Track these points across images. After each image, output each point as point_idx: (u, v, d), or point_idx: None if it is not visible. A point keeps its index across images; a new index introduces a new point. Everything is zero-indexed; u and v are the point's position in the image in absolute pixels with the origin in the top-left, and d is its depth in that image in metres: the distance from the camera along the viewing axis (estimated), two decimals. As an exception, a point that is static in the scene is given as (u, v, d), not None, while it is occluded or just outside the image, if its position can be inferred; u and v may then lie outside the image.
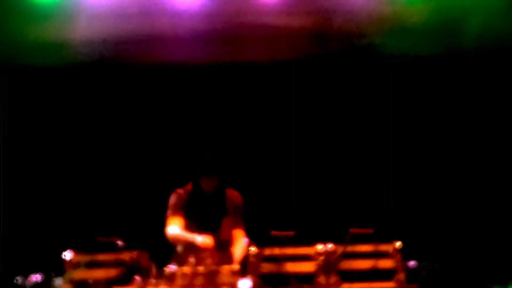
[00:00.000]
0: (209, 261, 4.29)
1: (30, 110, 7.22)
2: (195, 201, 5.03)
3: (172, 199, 5.05)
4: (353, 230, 4.47)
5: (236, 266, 4.28)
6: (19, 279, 4.85)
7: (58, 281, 4.57)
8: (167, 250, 4.55)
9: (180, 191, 5.10)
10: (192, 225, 4.93)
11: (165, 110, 7.22)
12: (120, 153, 7.15)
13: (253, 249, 4.37)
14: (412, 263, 4.91)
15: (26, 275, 4.80)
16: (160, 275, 4.34)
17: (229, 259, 4.29)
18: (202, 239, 4.58)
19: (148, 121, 7.24)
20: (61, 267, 4.52)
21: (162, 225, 4.94)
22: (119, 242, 4.42)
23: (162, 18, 6.78)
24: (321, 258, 4.35)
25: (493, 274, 5.88)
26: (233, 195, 5.14)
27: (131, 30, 6.83)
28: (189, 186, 5.10)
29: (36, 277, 4.78)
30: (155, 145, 7.16)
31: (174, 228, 4.87)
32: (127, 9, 6.70)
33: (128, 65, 7.19)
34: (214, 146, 5.04)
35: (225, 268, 4.27)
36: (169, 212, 5.01)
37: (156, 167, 6.90)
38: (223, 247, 4.88)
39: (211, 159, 4.97)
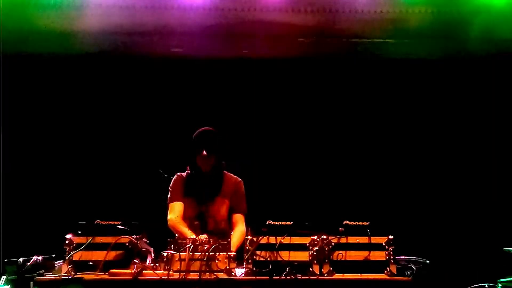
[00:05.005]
0: (205, 247, 4.35)
1: (38, 97, 7.34)
2: (192, 179, 5.25)
3: (172, 184, 5.32)
4: (347, 222, 4.58)
5: (232, 253, 4.36)
6: (21, 260, 4.93)
7: (59, 262, 4.67)
8: (165, 235, 4.65)
9: (180, 173, 5.34)
10: (189, 201, 5.20)
11: (167, 100, 7.34)
12: (120, 139, 7.30)
13: (249, 237, 4.45)
14: (403, 257, 5.01)
15: (27, 257, 4.87)
16: (158, 259, 4.42)
17: (226, 247, 4.38)
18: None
19: (149, 109, 7.39)
20: (61, 249, 4.60)
21: (161, 210, 5.15)
22: (118, 226, 4.51)
23: (169, 11, 6.90)
24: (315, 248, 4.43)
25: (485, 271, 5.95)
26: (232, 179, 5.32)
27: (139, 22, 6.96)
28: (189, 170, 5.30)
29: (37, 259, 4.86)
30: (155, 132, 7.32)
31: (173, 217, 5.15)
32: (135, 2, 6.81)
33: (135, 57, 7.33)
34: (212, 130, 5.23)
35: (222, 255, 4.34)
36: (169, 198, 5.31)
37: (156, 153, 7.02)
38: (216, 226, 5.14)
39: (208, 137, 5.16)
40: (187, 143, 5.26)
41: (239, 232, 5.12)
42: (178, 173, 5.36)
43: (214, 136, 5.19)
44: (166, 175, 5.33)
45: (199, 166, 5.21)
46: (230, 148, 5.32)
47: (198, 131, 5.25)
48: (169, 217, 5.18)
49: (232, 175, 5.37)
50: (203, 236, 4.62)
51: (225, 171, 5.34)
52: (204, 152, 5.13)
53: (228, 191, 5.26)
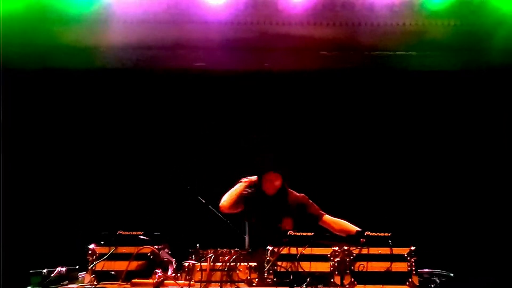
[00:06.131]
0: (227, 257, 4.36)
1: (64, 111, 7.45)
2: (258, 200, 5.29)
3: (239, 187, 5.35)
4: (369, 233, 4.56)
5: (253, 264, 4.37)
6: (45, 272, 4.98)
7: (82, 273, 4.71)
8: (187, 246, 4.66)
9: (247, 188, 5.35)
10: (254, 223, 5.27)
11: (191, 113, 7.40)
12: (145, 152, 7.36)
13: (270, 247, 4.45)
14: (426, 270, 4.96)
15: (51, 268, 4.92)
16: (180, 269, 4.45)
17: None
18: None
19: (173, 123, 7.45)
20: (85, 260, 4.65)
21: (183, 221, 5.17)
22: (140, 236, 4.55)
23: (191, 25, 6.97)
24: (337, 259, 4.42)
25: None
26: (294, 196, 5.38)
27: (162, 37, 7.05)
28: (254, 182, 5.36)
29: (61, 270, 4.91)
30: (180, 145, 7.37)
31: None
32: (157, 16, 6.90)
33: (158, 71, 7.41)
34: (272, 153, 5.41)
35: (242, 265, 4.35)
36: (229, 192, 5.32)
37: (176, 165, 7.07)
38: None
39: (274, 160, 5.34)
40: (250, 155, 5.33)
41: (338, 221, 5.25)
42: (246, 181, 5.36)
43: (278, 158, 5.33)
44: (188, 187, 5.35)
45: (263, 189, 5.26)
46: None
47: (262, 154, 5.44)
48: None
49: (295, 192, 5.40)
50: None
51: (289, 189, 5.38)
52: (272, 175, 5.21)
53: (293, 209, 5.30)
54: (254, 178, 5.36)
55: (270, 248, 4.43)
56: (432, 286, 4.98)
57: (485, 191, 7.23)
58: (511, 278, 5.84)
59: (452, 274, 5.12)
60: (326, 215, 5.36)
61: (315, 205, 5.39)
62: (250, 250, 4.65)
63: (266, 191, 5.27)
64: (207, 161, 7.26)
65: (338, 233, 5.10)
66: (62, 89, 7.43)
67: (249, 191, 5.34)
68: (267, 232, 5.11)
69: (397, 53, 7.34)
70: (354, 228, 5.04)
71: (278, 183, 5.25)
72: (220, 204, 5.30)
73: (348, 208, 6.88)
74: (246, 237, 5.20)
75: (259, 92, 7.44)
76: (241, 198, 5.30)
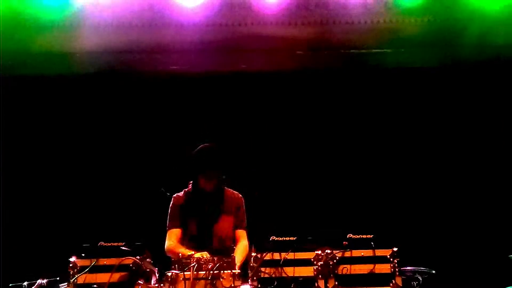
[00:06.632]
0: (210, 265, 4.34)
1: (39, 118, 7.35)
2: (193, 200, 5.16)
3: (170, 208, 5.20)
4: (351, 236, 4.57)
5: (236, 271, 4.35)
6: (25, 284, 4.93)
7: (63, 285, 4.66)
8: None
9: (178, 195, 5.23)
10: (192, 222, 5.10)
11: (168, 117, 7.34)
12: (121, 158, 7.28)
13: (253, 254, 4.44)
14: (409, 268, 4.99)
15: (31, 280, 4.87)
16: (163, 279, 4.41)
17: (230, 264, 4.36)
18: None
19: (150, 128, 7.37)
20: (65, 272, 4.59)
21: (164, 228, 5.11)
22: (122, 247, 4.50)
23: (166, 29, 6.92)
24: (320, 263, 4.42)
25: (491, 279, 5.93)
26: (233, 195, 5.27)
27: (136, 41, 6.99)
28: (189, 187, 5.23)
29: (41, 282, 4.86)
30: (157, 150, 7.30)
31: (170, 243, 5.04)
32: (131, 20, 6.84)
33: (133, 75, 7.33)
34: (214, 148, 5.14)
35: (226, 273, 4.33)
36: (167, 224, 5.18)
37: (158, 171, 7.00)
38: (222, 244, 5.06)
39: (211, 155, 5.06)
40: (187, 161, 5.20)
41: (242, 247, 5.08)
42: (175, 195, 5.24)
43: (217, 153, 5.09)
44: (168, 194, 5.29)
45: (201, 186, 5.12)
46: (231, 164, 5.24)
47: (199, 148, 5.14)
48: (166, 244, 5.06)
49: (233, 191, 5.31)
50: (205, 253, 4.57)
51: (225, 187, 5.28)
52: (208, 171, 5.05)
53: (232, 208, 5.21)
54: (181, 192, 5.22)
55: (253, 254, 4.42)
56: (415, 284, 5.03)
57: (463, 185, 7.27)
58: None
59: (434, 271, 5.18)
60: (241, 231, 5.18)
61: (244, 214, 5.25)
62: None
63: (205, 187, 5.09)
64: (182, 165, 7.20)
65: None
66: (37, 96, 7.32)
67: (183, 200, 5.19)
68: (206, 231, 5.06)
69: (372, 51, 7.35)
70: (239, 261, 4.76)
71: (215, 181, 5.08)
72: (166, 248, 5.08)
73: (330, 210, 6.98)
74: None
75: (235, 93, 7.40)
76: (178, 209, 5.15)
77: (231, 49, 7.16)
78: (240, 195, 5.31)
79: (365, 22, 7.07)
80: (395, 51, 7.30)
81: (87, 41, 6.89)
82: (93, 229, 6.41)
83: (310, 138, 7.41)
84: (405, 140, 7.40)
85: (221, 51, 7.14)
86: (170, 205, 5.22)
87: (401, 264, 4.56)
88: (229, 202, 5.23)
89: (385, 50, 7.32)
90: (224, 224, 5.15)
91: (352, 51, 7.35)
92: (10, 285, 4.89)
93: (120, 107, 7.39)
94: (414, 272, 5.08)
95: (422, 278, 5.09)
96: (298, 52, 7.32)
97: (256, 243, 4.59)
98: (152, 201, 5.90)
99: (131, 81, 7.37)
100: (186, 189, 5.26)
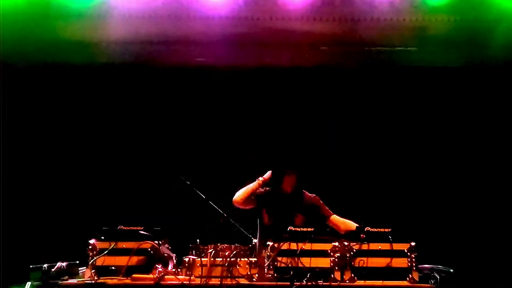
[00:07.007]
0: (227, 252, 4.37)
1: (62, 107, 7.45)
2: (274, 198, 5.39)
3: (253, 185, 5.43)
4: (369, 229, 4.57)
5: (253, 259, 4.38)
6: (45, 267, 4.99)
7: (82, 268, 4.72)
8: (187, 241, 4.67)
9: (260, 187, 5.44)
10: (269, 219, 5.35)
11: (192, 109, 7.41)
12: (144, 147, 7.37)
13: (270, 243, 4.45)
14: (427, 266, 4.96)
15: (52, 263, 4.93)
16: (180, 264, 4.46)
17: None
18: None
19: (175, 119, 7.45)
20: (85, 255, 4.66)
21: (183, 216, 5.20)
22: (141, 231, 4.56)
23: (192, 21, 6.95)
24: (337, 254, 4.43)
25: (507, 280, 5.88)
26: (308, 197, 5.48)
27: (162, 32, 7.03)
28: (266, 178, 5.43)
29: (61, 265, 4.92)
30: (178, 140, 7.38)
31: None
32: (158, 12, 6.88)
33: (158, 66, 7.40)
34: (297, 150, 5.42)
35: (243, 261, 4.36)
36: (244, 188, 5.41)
37: (178, 160, 7.06)
38: None
39: (295, 158, 5.50)
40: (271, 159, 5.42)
41: (344, 221, 5.34)
42: (260, 180, 5.43)
43: (298, 156, 5.51)
44: (188, 182, 5.35)
45: (282, 186, 5.36)
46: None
47: (284, 151, 5.68)
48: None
49: (307, 192, 5.50)
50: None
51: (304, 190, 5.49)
52: (292, 173, 5.32)
53: (306, 209, 5.40)
54: (267, 176, 5.43)
55: (270, 243, 4.44)
56: (432, 281, 4.99)
57: (487, 188, 7.22)
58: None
59: (452, 270, 5.14)
60: (334, 215, 5.43)
61: (325, 206, 5.49)
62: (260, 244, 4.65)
63: (285, 189, 5.37)
64: (208, 156, 7.27)
65: (344, 233, 5.11)
66: (62, 84, 7.42)
67: (263, 190, 5.43)
68: (280, 229, 5.16)
69: (397, 48, 7.33)
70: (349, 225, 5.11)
71: (296, 182, 5.36)
72: (233, 199, 5.40)
73: (349, 204, 6.96)
74: (258, 233, 5.20)
75: (259, 88, 7.43)
76: (254, 196, 5.39)
77: (255, 43, 7.18)
78: (314, 195, 5.52)
79: (391, 20, 7.03)
80: (421, 50, 7.27)
81: (114, 31, 6.93)
82: (113, 214, 6.47)
83: (328, 133, 7.41)
84: (429, 137, 7.37)
85: (245, 45, 7.16)
86: (254, 183, 5.41)
87: (418, 260, 4.54)
88: (305, 204, 5.44)
89: (410, 48, 7.30)
90: (297, 220, 5.33)
91: (377, 48, 7.34)
92: (30, 266, 4.95)
93: (145, 97, 7.47)
94: (431, 270, 5.05)
95: (439, 276, 5.05)
96: (322, 48, 7.33)
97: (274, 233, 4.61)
98: (172, 189, 5.96)
99: (157, 72, 7.44)
100: (263, 179, 5.43)
